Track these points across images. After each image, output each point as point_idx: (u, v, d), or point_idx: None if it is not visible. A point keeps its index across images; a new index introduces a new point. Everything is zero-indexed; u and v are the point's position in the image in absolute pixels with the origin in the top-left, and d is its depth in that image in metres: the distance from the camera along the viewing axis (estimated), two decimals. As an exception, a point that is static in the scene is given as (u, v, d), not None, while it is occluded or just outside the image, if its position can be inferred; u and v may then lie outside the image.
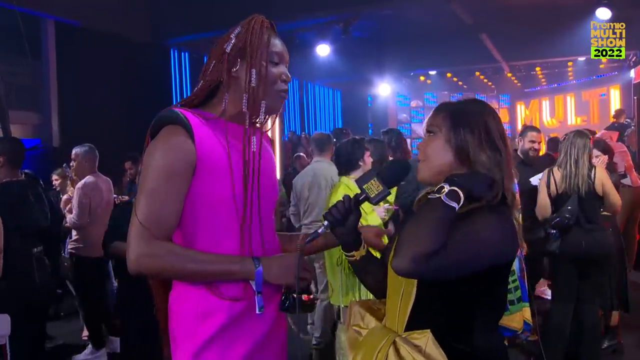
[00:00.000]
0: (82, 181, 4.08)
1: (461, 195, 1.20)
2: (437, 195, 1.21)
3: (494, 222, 1.23)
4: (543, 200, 3.48)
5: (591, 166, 3.35)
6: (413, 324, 1.27)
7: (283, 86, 1.43)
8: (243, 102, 1.38)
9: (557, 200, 3.42)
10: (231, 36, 1.41)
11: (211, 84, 1.41)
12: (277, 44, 1.43)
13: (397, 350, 1.22)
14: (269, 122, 1.49)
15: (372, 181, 1.36)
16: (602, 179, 3.33)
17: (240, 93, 1.39)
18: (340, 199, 1.38)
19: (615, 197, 3.38)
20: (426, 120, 1.43)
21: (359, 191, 1.37)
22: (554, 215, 3.37)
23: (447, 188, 1.20)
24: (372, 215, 3.05)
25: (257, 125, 1.43)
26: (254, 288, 1.34)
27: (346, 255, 1.45)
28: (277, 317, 1.44)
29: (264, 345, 1.40)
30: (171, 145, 1.30)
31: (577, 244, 3.31)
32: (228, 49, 1.39)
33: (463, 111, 1.35)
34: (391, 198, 3.23)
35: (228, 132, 1.37)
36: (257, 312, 1.35)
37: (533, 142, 4.03)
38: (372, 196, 1.35)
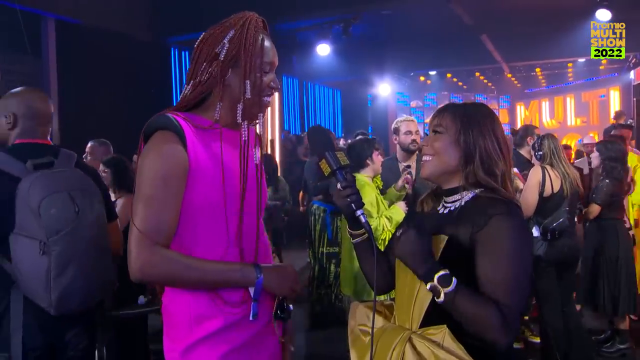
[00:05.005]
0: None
1: None
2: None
3: (518, 233, 1.27)
4: (533, 200, 3.24)
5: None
6: (429, 322, 1.28)
7: (269, 94, 1.43)
8: (238, 112, 1.37)
9: (548, 201, 3.25)
10: (224, 41, 1.35)
11: (205, 91, 1.37)
12: (269, 51, 1.40)
13: (413, 347, 1.23)
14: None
15: (337, 156, 1.38)
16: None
17: (232, 101, 1.38)
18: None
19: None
20: (430, 119, 1.45)
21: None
22: (553, 218, 3.22)
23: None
24: (396, 210, 3.10)
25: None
26: (251, 295, 1.35)
27: (351, 235, 1.46)
28: (265, 325, 1.42)
29: (242, 349, 1.38)
30: (164, 150, 1.29)
31: (562, 248, 3.23)
32: (222, 56, 1.35)
33: (473, 115, 1.38)
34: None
35: (223, 139, 1.36)
36: (250, 318, 1.35)
37: None
38: (345, 164, 1.39)
